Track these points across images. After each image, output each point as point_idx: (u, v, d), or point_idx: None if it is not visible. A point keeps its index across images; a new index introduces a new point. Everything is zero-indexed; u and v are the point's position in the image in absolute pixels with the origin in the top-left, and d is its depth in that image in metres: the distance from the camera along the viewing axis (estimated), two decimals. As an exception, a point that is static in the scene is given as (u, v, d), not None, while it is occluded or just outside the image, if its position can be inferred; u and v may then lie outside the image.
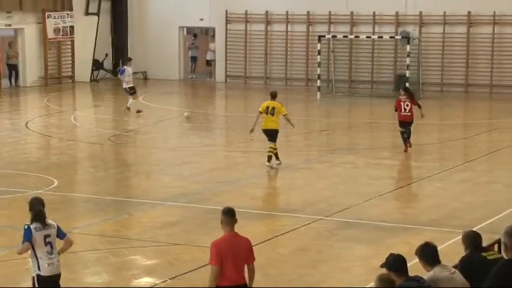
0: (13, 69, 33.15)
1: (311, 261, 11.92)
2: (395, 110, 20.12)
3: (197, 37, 38.84)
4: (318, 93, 30.66)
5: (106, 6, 36.07)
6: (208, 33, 38.99)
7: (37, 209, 9.20)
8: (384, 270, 7.06)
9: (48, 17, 33.16)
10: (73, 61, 34.77)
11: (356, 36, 32.46)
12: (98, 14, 35.25)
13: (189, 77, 37.47)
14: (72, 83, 34.45)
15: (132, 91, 25.81)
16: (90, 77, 35.18)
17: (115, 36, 36.74)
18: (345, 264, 11.78)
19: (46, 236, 9.08)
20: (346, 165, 18.76)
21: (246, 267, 8.44)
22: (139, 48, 36.36)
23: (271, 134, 17.93)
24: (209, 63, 37.63)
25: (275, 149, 18.00)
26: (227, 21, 35.33)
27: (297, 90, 32.96)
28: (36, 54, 33.28)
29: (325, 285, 10.99)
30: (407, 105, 19.72)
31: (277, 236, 13.19)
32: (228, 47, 35.51)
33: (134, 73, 36.19)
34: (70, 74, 34.82)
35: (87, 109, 29.27)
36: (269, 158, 17.90)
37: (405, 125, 19.79)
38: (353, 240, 12.94)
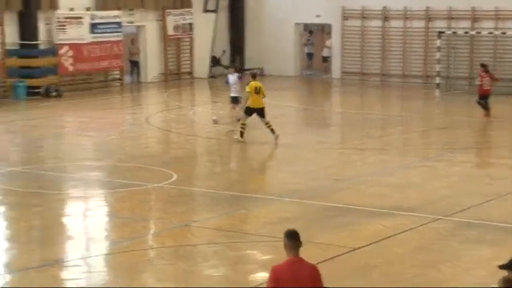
0: (135, 65, 34.04)
1: (430, 261, 11.72)
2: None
3: (313, 34, 38.82)
4: (437, 91, 30.11)
5: (224, 3, 36.53)
6: (324, 30, 38.89)
7: None
8: (503, 272, 6.86)
9: (168, 15, 33.87)
10: (192, 58, 35.41)
11: (477, 32, 31.68)
12: (216, 11, 35.74)
13: (305, 73, 37.50)
14: (190, 79, 35.09)
15: (235, 101, 23.56)
16: (208, 73, 35.73)
17: (232, 33, 37.16)
18: (466, 266, 11.52)
19: None
20: (466, 164, 18.36)
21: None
22: (255, 45, 36.67)
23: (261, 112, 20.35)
24: (325, 59, 37.54)
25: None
26: (344, 18, 35.15)
27: (414, 87, 32.48)
28: (156, 51, 34.06)
29: (446, 285, 10.78)
30: (487, 80, 24.26)
31: (394, 235, 13.02)
32: (344, 43, 35.34)
33: (249, 69, 36.67)
34: (189, 70, 35.48)
35: (205, 105, 29.72)
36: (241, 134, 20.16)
37: (485, 97, 24.40)
38: (474, 241, 12.64)
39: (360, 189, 15.99)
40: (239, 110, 21.48)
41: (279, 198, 15.30)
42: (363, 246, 12.24)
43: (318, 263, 11.36)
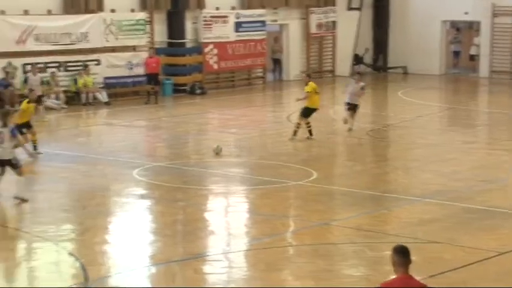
0: (277, 63, 34.28)
1: None
2: None
3: (460, 31, 37.84)
4: None
5: (368, 0, 36.20)
6: (472, 27, 37.82)
7: None
8: None
9: (311, 13, 33.90)
10: (334, 56, 35.29)
11: None
12: (360, 8, 35.46)
13: (451, 72, 36.59)
14: (332, 77, 34.97)
15: (349, 107, 22.39)
16: (350, 71, 35.50)
17: (376, 30, 36.76)
18: None
19: None
20: None
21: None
22: (399, 43, 36.12)
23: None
24: (472, 58, 36.51)
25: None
26: (493, 15, 34.04)
27: None
28: (299, 49, 34.15)
29: None
30: None
31: (543, 240, 12.48)
32: (493, 41, 34.23)
33: (393, 68, 36.16)
34: (331, 68, 35.38)
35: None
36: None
37: None
38: None
39: (507, 192, 15.43)
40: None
41: (420, 198, 14.98)
42: (509, 251, 11.80)
43: (460, 267, 11.11)
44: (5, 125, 14.36)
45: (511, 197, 15.07)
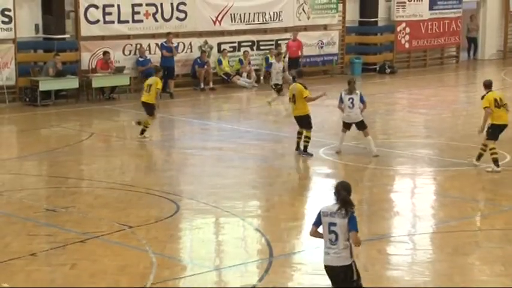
0: (472, 42, 33.23)
1: None
2: None
3: None
4: None
5: None
6: None
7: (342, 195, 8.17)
8: None
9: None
10: (535, 34, 33.73)
11: None
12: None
13: None
14: (531, 56, 33.45)
15: (277, 88, 22.69)
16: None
17: None
18: None
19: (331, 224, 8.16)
20: None
21: None
22: None
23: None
24: None
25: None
26: None
27: None
28: (496, 27, 32.91)
29: None
30: None
31: None
32: None
33: None
34: (529, 47, 33.85)
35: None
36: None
37: None
38: None
39: None
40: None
41: None
42: None
43: None
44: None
45: None
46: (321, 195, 14.19)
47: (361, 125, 16.60)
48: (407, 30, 30.20)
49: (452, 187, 14.39)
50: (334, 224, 8.11)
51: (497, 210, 12.99)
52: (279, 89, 22.65)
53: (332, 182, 15.01)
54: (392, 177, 15.43)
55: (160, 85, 18.42)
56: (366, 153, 16.88)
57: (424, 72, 29.75)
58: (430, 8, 30.56)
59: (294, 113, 16.63)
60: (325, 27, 28.62)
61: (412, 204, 13.81)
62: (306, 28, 28.19)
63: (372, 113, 21.91)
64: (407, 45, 30.40)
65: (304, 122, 16.48)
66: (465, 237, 11.60)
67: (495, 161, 15.19)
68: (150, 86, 18.22)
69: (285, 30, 27.69)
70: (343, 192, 8.13)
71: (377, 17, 29.64)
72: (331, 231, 8.12)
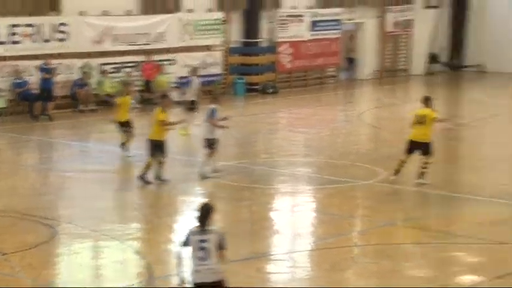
0: (351, 62, 34.09)
1: None
2: None
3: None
4: None
5: (447, -1, 35.71)
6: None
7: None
8: None
9: (388, 11, 33.58)
10: (409, 54, 34.87)
11: None
12: (438, 6, 34.94)
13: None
14: (406, 76, 34.56)
15: (192, 105, 21.52)
16: (425, 70, 35.02)
17: (453, 29, 36.15)
18: None
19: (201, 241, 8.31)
20: None
21: None
22: (477, 40, 35.47)
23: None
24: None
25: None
26: None
27: None
28: (373, 48, 33.88)
29: None
30: None
31: None
32: None
33: (469, 66, 35.48)
34: (405, 67, 34.97)
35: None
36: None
37: None
38: None
39: None
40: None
41: (490, 199, 14.69)
42: None
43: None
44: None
45: None
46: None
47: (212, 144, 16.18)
48: (289, 50, 30.72)
49: (331, 204, 14.69)
50: (204, 241, 8.28)
51: (373, 226, 13.33)
52: (192, 108, 21.83)
53: (214, 202, 15.08)
54: (273, 195, 15.62)
55: (128, 100, 18.69)
56: (247, 172, 17.03)
57: (305, 92, 30.30)
58: (311, 29, 31.20)
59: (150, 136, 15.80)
60: (208, 47, 28.77)
61: (292, 222, 14.01)
62: (189, 49, 28.24)
63: (255, 133, 22.17)
64: (289, 66, 30.90)
65: (158, 147, 15.61)
66: (342, 254, 11.85)
67: (422, 174, 15.55)
68: (119, 105, 18.46)
69: (168, 51, 27.67)
70: (202, 211, 8.38)
71: (260, 38, 30.04)
72: (201, 248, 8.25)
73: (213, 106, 16.34)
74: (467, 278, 10.88)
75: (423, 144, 15.59)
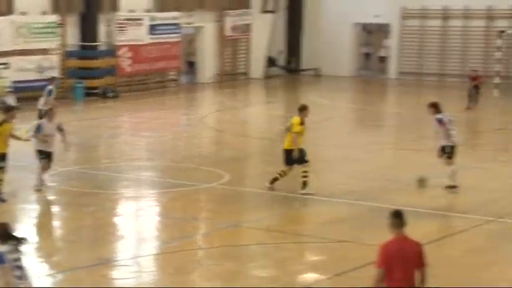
0: (191, 65, 34.26)
1: (481, 263, 11.53)
2: None
3: (371, 34, 38.54)
4: (496, 91, 29.61)
5: (282, 3, 36.51)
6: (382, 30, 38.61)
7: None
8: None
9: (226, 15, 33.99)
10: (248, 58, 35.47)
11: (539, 31, 31.17)
12: (274, 11, 35.73)
13: (362, 73, 37.26)
14: (246, 79, 35.14)
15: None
16: (264, 73, 35.74)
17: (289, 33, 37.10)
18: (518, 268, 11.30)
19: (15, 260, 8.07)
20: (523, 166, 18.00)
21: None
22: (312, 45, 36.58)
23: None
24: (382, 59, 37.25)
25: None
26: (403, 18, 34.83)
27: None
28: (213, 52, 34.21)
29: (498, 286, 10.59)
30: None
31: (447, 236, 12.85)
32: (402, 43, 35.01)
33: (305, 70, 36.56)
34: (244, 70, 35.54)
35: (260, 105, 29.74)
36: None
37: None
38: (527, 244, 12.39)
39: (413, 191, 15.78)
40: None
41: (330, 199, 15.20)
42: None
43: (368, 264, 11.29)
44: None
45: (416, 196, 15.42)
46: (42, 223, 13.89)
47: (51, 157, 15.58)
48: (129, 54, 30.49)
49: (175, 208, 14.73)
50: (19, 259, 8.02)
51: (217, 228, 13.47)
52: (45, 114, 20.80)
53: (55, 209, 14.78)
54: (117, 200, 15.47)
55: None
56: (89, 177, 16.78)
57: (146, 95, 30.18)
58: (150, 33, 31.12)
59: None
60: (44, 51, 28.06)
61: (137, 226, 13.93)
62: (23, 52, 27.43)
63: (96, 138, 21.86)
64: (129, 69, 30.67)
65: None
66: (187, 257, 11.91)
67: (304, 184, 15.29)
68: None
69: (1, 54, 26.76)
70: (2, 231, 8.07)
71: (97, 41, 29.64)
72: (17, 267, 7.98)
73: (39, 121, 15.89)
74: (309, 276, 11.20)
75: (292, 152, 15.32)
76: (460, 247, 12.33)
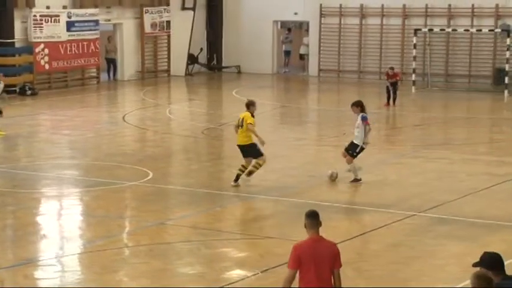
0: (111, 63, 33.88)
1: (403, 258, 11.76)
2: None
3: (291, 31, 38.83)
4: (413, 88, 30.24)
5: (202, 1, 36.45)
6: (302, 27, 38.94)
7: None
8: (476, 268, 6.84)
9: (145, 12, 33.73)
10: (169, 55, 35.28)
11: (454, 30, 31.87)
12: (193, 8, 35.64)
13: (282, 71, 37.51)
14: (167, 76, 34.96)
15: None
16: (185, 71, 35.63)
17: (210, 30, 37.07)
18: (439, 262, 11.56)
19: None
20: (442, 161, 18.43)
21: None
22: (233, 42, 36.64)
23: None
24: (302, 57, 37.57)
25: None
26: (321, 15, 35.19)
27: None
28: (133, 49, 33.91)
29: (417, 282, 10.82)
30: None
31: (369, 231, 13.07)
32: (321, 41, 35.39)
33: (227, 67, 36.63)
34: (166, 68, 35.35)
35: (182, 103, 29.64)
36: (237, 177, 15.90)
37: None
38: (447, 237, 12.69)
39: (335, 186, 16.00)
40: None
41: (254, 195, 15.28)
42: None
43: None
44: None
45: (338, 191, 15.64)
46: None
47: None
48: (46, 51, 29.95)
49: (99, 206, 14.57)
50: None
51: (141, 226, 13.40)
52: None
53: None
54: (38, 199, 15.22)
55: None
56: (8, 176, 16.46)
57: (66, 93, 29.72)
58: (68, 30, 30.64)
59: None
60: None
61: (60, 226, 13.74)
62: None
63: (14, 136, 21.41)
64: (47, 67, 30.13)
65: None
66: (113, 255, 11.81)
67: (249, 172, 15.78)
68: None
69: None
70: None
71: (14, 38, 29.02)
72: None
73: None
74: (236, 273, 11.24)
75: (246, 147, 15.77)
76: (382, 241, 12.54)
